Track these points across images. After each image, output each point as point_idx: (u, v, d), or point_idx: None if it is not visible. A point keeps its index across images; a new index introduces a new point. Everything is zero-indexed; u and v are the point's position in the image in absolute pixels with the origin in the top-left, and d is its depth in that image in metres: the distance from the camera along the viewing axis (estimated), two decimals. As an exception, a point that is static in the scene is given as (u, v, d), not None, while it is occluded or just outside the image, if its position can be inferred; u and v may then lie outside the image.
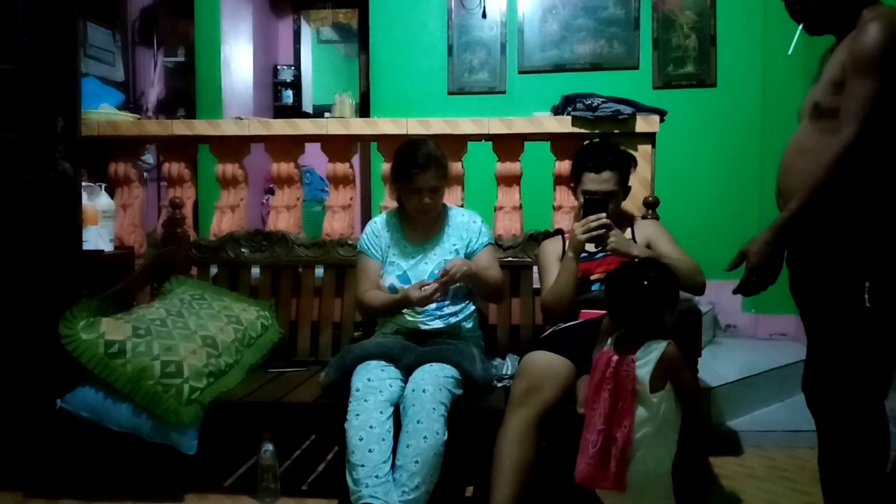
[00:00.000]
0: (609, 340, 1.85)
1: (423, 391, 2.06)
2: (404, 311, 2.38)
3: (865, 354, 1.65)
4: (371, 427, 2.01)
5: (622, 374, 1.75)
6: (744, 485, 2.51)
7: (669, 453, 1.77)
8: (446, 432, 2.03)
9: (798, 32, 1.76)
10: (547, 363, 2.05)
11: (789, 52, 1.79)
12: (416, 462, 1.97)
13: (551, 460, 2.17)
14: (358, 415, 2.04)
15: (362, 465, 1.97)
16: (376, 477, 1.95)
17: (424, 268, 2.41)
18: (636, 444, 1.73)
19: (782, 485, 2.52)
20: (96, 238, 2.79)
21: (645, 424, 1.74)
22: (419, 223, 2.44)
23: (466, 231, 2.45)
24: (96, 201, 2.86)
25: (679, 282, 1.93)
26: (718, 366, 3.23)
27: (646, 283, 1.78)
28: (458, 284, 2.36)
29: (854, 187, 1.62)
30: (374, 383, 2.11)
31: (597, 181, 2.33)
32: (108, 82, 4.31)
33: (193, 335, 2.38)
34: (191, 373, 2.26)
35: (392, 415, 2.07)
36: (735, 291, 1.77)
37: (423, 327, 2.37)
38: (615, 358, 1.78)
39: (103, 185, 2.97)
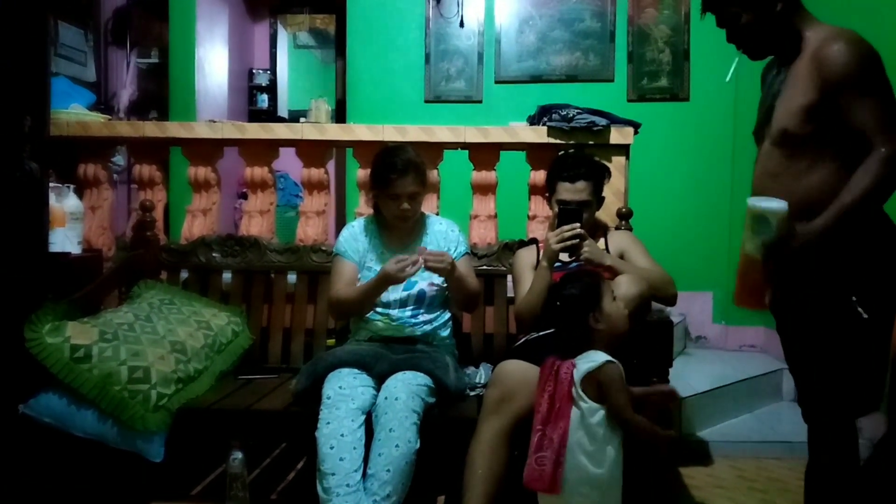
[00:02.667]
0: None
1: (396, 399, 2.05)
2: (378, 318, 2.37)
3: (855, 367, 1.67)
4: (342, 435, 1.99)
5: (561, 376, 1.79)
6: (713, 495, 2.54)
7: (611, 463, 1.76)
8: (419, 441, 2.02)
9: (736, 61, 1.81)
10: (520, 372, 2.05)
11: (727, 79, 1.85)
12: (388, 471, 1.95)
13: (523, 469, 2.16)
14: (329, 423, 2.02)
15: (333, 474, 1.95)
16: (347, 486, 1.93)
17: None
18: (571, 447, 1.75)
19: (751, 495, 2.56)
20: (63, 240, 2.73)
21: (580, 429, 1.76)
22: (397, 230, 2.43)
23: (445, 240, 2.45)
24: (64, 203, 2.80)
25: (653, 292, 1.93)
26: (689, 376, 3.27)
27: (566, 292, 1.88)
28: (434, 289, 2.36)
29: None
30: (345, 391, 2.09)
31: (571, 191, 2.35)
32: (79, 82, 4.25)
33: (162, 340, 2.33)
34: (158, 379, 2.21)
35: (364, 423, 2.05)
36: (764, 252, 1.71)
37: (398, 335, 2.36)
38: (558, 361, 1.83)
39: (72, 187, 2.91)
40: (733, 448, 2.97)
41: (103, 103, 4.86)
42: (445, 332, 2.45)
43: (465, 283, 2.36)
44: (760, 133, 1.85)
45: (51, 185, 2.62)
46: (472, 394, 2.31)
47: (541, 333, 2.24)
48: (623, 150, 2.86)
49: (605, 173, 2.48)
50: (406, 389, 2.08)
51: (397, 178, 2.30)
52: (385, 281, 2.25)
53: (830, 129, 1.66)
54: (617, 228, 2.62)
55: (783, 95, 1.74)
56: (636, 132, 2.88)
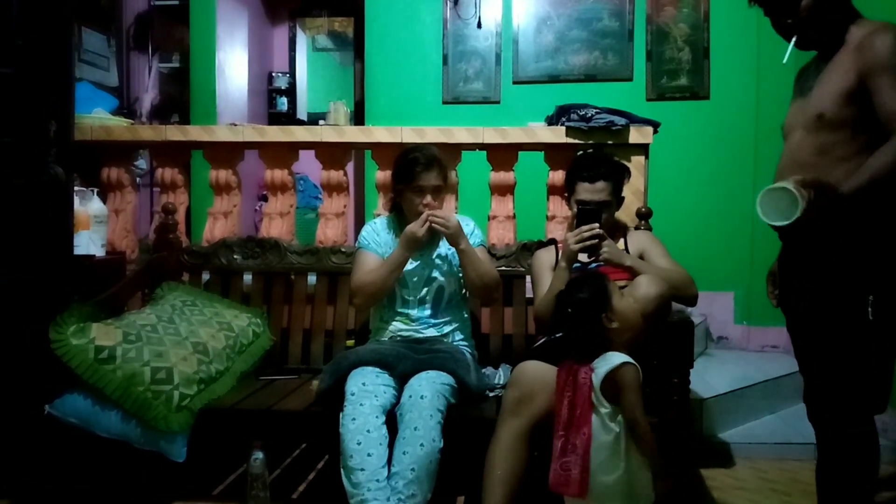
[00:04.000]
0: None
1: (422, 398, 2.05)
2: (398, 318, 2.38)
3: (865, 367, 1.65)
4: (368, 431, 2.00)
5: (580, 381, 1.79)
6: (735, 497, 2.51)
7: (635, 464, 1.76)
8: (442, 440, 2.02)
9: (792, 43, 1.78)
10: (539, 373, 2.04)
11: (784, 61, 1.80)
12: (413, 470, 1.96)
13: (543, 470, 2.16)
14: (354, 419, 2.03)
15: (362, 469, 1.96)
16: (377, 481, 1.95)
17: (422, 272, 2.41)
18: (595, 451, 1.75)
19: (773, 497, 2.53)
20: (88, 243, 2.77)
21: (602, 432, 1.76)
22: None
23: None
24: (88, 206, 2.85)
25: (674, 292, 1.93)
26: (710, 377, 3.24)
27: (576, 297, 1.89)
28: (452, 283, 2.37)
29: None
30: (368, 388, 2.10)
31: (590, 191, 2.34)
32: (102, 87, 4.31)
33: (184, 341, 2.36)
34: (181, 379, 2.24)
35: (385, 421, 2.06)
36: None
37: (417, 335, 2.37)
38: (575, 366, 1.82)
39: (96, 190, 2.96)
40: (755, 449, 2.93)
41: (126, 108, 4.93)
42: (464, 333, 2.46)
43: (478, 261, 2.36)
44: (792, 124, 1.82)
45: (75, 188, 2.66)
46: (492, 395, 2.31)
47: (560, 334, 2.23)
48: (642, 149, 2.84)
49: (625, 173, 2.47)
50: (431, 388, 2.09)
51: (422, 171, 2.33)
52: (407, 246, 2.30)
53: (866, 115, 1.64)
54: (636, 228, 2.61)
55: (821, 82, 1.73)
56: (655, 131, 2.86)
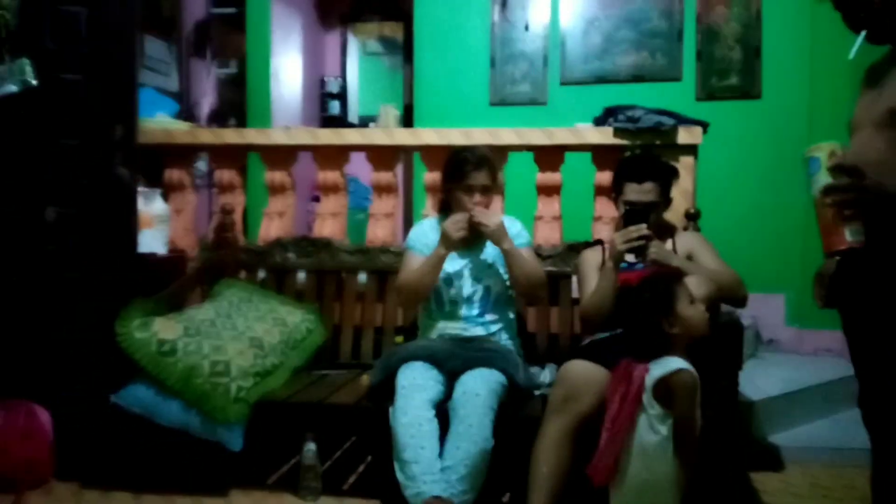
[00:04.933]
0: None
1: (477, 395, 2.08)
2: (446, 316, 2.43)
3: None
4: (420, 424, 2.05)
5: (634, 378, 1.78)
6: (786, 502, 2.47)
7: (670, 466, 1.76)
8: (493, 439, 2.05)
9: (861, 37, 1.73)
10: (585, 372, 2.06)
11: (850, 56, 1.75)
12: (466, 465, 1.99)
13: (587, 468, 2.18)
14: (406, 412, 2.07)
15: (416, 462, 2.00)
16: (431, 473, 1.98)
17: (468, 272, 2.45)
18: (637, 450, 1.75)
19: None
20: (151, 241, 2.89)
21: (649, 433, 1.75)
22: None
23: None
24: (151, 206, 2.97)
25: (722, 294, 1.92)
26: (760, 380, 3.18)
27: (638, 298, 1.86)
28: (499, 285, 2.40)
29: None
30: (419, 381, 2.15)
31: (638, 191, 2.34)
32: (164, 92, 4.45)
33: (241, 336, 2.45)
34: (238, 372, 2.33)
35: (435, 415, 2.10)
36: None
37: (465, 334, 2.40)
38: (633, 363, 1.82)
39: (158, 191, 3.07)
40: (807, 454, 2.86)
41: (186, 112, 5.07)
42: (511, 332, 2.49)
43: (523, 261, 2.38)
44: (860, 121, 1.76)
45: (139, 189, 2.77)
46: (538, 393, 2.33)
47: (607, 334, 2.24)
48: (691, 150, 2.82)
49: (673, 174, 2.46)
50: (486, 386, 2.12)
51: (472, 170, 2.37)
52: (444, 244, 2.32)
53: None
54: (685, 229, 2.60)
55: (894, 75, 1.66)
56: (705, 131, 2.84)
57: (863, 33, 1.71)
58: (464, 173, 2.38)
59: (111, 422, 2.38)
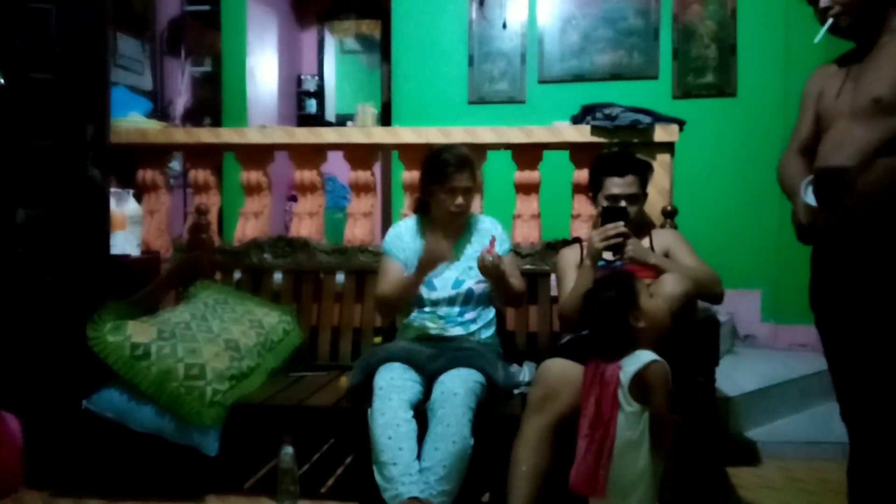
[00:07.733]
0: None
1: (455, 394, 2.08)
2: (426, 316, 2.41)
3: None
4: (398, 425, 2.04)
5: (607, 379, 1.79)
6: (762, 496, 2.49)
7: (647, 461, 1.76)
8: (472, 438, 2.05)
9: (829, 24, 1.75)
10: (564, 371, 2.06)
11: (815, 41, 1.77)
12: (444, 466, 1.99)
13: (567, 466, 2.18)
14: (383, 413, 2.06)
15: (394, 464, 1.99)
16: (409, 475, 1.98)
17: (449, 274, 2.44)
18: (618, 450, 1.75)
19: (802, 497, 2.50)
20: (123, 243, 2.85)
21: (626, 431, 1.76)
22: (446, 229, 2.45)
23: (489, 238, 2.47)
24: (124, 207, 2.93)
25: (699, 291, 1.91)
26: (736, 376, 3.21)
27: (604, 296, 1.88)
28: (481, 286, 2.40)
29: None
30: (397, 382, 2.14)
31: (621, 185, 2.35)
32: (137, 91, 4.41)
33: (217, 338, 2.42)
34: (213, 375, 2.30)
35: (414, 416, 2.09)
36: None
37: (444, 334, 2.39)
38: (602, 364, 1.83)
39: (131, 192, 3.03)
40: (783, 448, 2.90)
41: (160, 111, 5.03)
42: (490, 330, 2.48)
43: (509, 283, 2.39)
44: (833, 114, 1.74)
45: (112, 190, 2.73)
46: (517, 392, 2.33)
47: (585, 332, 2.25)
48: (668, 147, 2.84)
49: (649, 169, 2.47)
50: (464, 386, 2.11)
51: (454, 171, 2.35)
52: (427, 263, 2.30)
53: None
54: (662, 227, 2.61)
55: (872, 67, 1.68)
56: (681, 129, 2.86)
57: (830, 21, 1.74)
58: (446, 175, 2.36)
59: (83, 427, 2.34)
